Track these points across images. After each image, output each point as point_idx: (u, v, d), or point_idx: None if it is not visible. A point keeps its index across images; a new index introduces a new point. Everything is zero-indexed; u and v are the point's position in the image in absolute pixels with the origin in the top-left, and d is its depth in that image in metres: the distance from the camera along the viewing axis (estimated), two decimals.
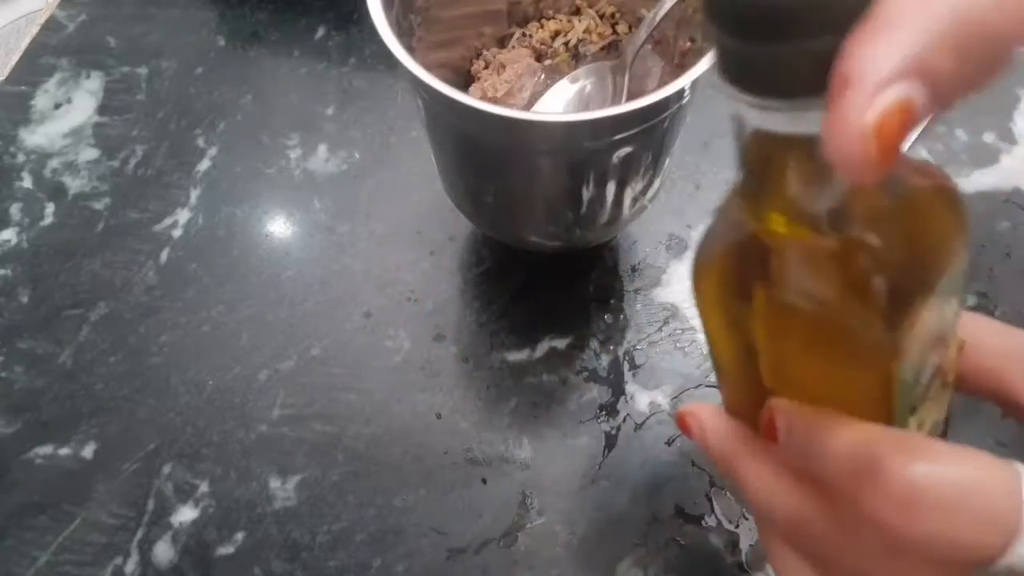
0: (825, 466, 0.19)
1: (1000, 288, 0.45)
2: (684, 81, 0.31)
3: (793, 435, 0.20)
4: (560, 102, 0.44)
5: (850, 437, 0.19)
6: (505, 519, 0.40)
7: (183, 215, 0.50)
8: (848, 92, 0.14)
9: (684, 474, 0.41)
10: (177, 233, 0.49)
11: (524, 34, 0.47)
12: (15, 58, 0.57)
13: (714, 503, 0.40)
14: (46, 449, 0.42)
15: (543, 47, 0.47)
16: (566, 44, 0.47)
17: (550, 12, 0.47)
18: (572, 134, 0.32)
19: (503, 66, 0.46)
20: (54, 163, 0.52)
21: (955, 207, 0.19)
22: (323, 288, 0.47)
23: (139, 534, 0.40)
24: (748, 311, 0.20)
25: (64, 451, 0.42)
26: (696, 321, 0.45)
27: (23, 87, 0.55)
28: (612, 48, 0.46)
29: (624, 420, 0.42)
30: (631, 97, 0.43)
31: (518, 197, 0.39)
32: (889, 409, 0.19)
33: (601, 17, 0.47)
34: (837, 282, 0.18)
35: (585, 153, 0.34)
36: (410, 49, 0.33)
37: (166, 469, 0.42)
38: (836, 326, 0.18)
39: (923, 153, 0.50)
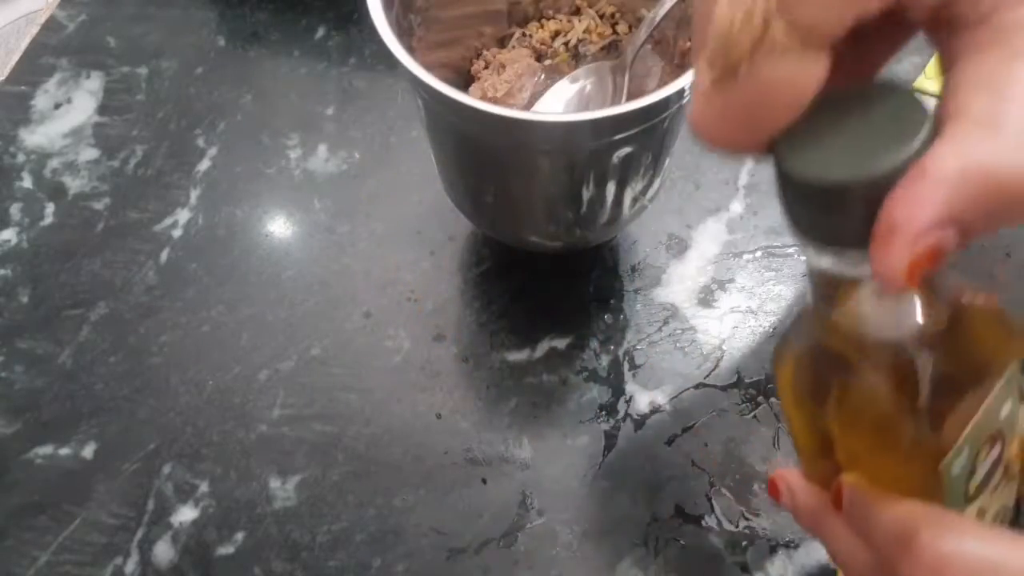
0: (875, 536, 0.23)
1: (1000, 288, 0.45)
2: (684, 81, 0.31)
3: (853, 508, 0.23)
4: (560, 102, 0.44)
5: (895, 512, 0.22)
6: (505, 519, 0.40)
7: (183, 215, 0.50)
8: (892, 239, 0.17)
9: (684, 474, 0.41)
10: (177, 233, 0.49)
11: (524, 34, 0.47)
12: (15, 58, 0.57)
13: (714, 503, 0.40)
14: (46, 449, 0.42)
15: (543, 47, 0.47)
16: (566, 44, 0.47)
17: (550, 12, 0.47)
18: (572, 134, 0.32)
19: (503, 66, 0.45)
20: (54, 163, 0.52)
21: (1005, 323, 0.22)
22: (323, 288, 0.47)
23: (139, 534, 0.40)
24: (821, 405, 0.23)
25: (64, 451, 0.42)
26: (695, 321, 0.45)
27: (23, 87, 0.55)
28: (612, 48, 0.46)
29: (624, 420, 0.42)
30: (631, 97, 0.43)
31: (518, 197, 0.39)
32: (940, 495, 0.22)
33: (601, 17, 0.47)
34: (891, 391, 0.21)
35: (585, 153, 0.34)
36: (410, 49, 0.33)
37: (166, 469, 0.42)
38: (890, 427, 0.21)
39: None
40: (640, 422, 0.42)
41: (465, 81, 0.46)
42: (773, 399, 0.43)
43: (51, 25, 0.58)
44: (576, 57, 0.47)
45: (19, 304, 0.47)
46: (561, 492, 0.41)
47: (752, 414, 0.42)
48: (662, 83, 0.44)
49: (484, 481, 0.41)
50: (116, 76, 0.56)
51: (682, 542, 0.39)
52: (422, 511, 0.40)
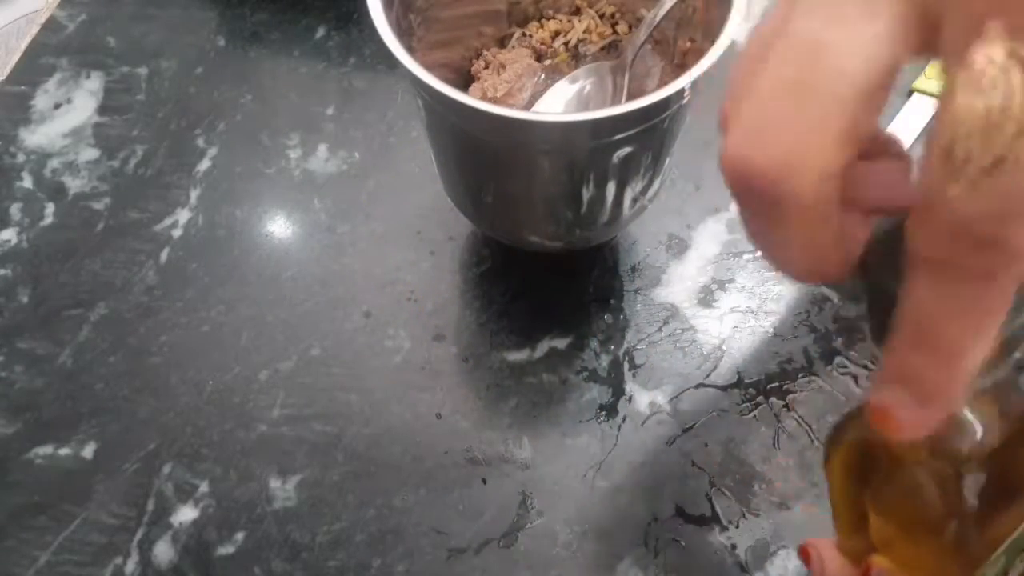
0: None
1: None
2: (684, 81, 0.31)
3: None
4: (560, 102, 0.44)
5: None
6: (505, 519, 0.40)
7: (183, 215, 0.50)
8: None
9: (684, 474, 0.41)
10: (177, 233, 0.49)
11: (524, 34, 0.47)
12: (15, 58, 0.57)
13: (714, 503, 0.40)
14: (46, 449, 0.42)
15: (543, 47, 0.47)
16: (566, 44, 0.47)
17: (550, 12, 0.47)
18: (572, 134, 0.32)
19: (503, 66, 0.45)
20: (54, 163, 0.52)
21: None
22: (323, 288, 0.47)
23: (139, 534, 0.40)
24: (864, 485, 0.24)
25: (64, 451, 0.42)
26: (695, 321, 0.45)
27: (23, 87, 0.55)
28: (612, 48, 0.46)
29: (624, 420, 0.42)
30: (631, 97, 0.43)
31: (518, 197, 0.39)
32: None
33: (601, 17, 0.47)
34: (935, 496, 0.22)
35: (585, 153, 0.34)
36: (410, 49, 0.33)
37: (166, 469, 0.42)
38: (929, 528, 0.22)
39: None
40: (640, 422, 0.42)
41: (465, 81, 0.46)
42: (773, 399, 0.43)
43: (51, 25, 0.58)
44: (576, 57, 0.47)
45: (19, 304, 0.47)
46: (561, 492, 0.41)
47: (752, 414, 0.42)
48: (662, 83, 0.44)
49: (484, 481, 0.41)
50: (116, 76, 0.56)
51: (682, 542, 0.39)
52: (422, 511, 0.40)
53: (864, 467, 0.24)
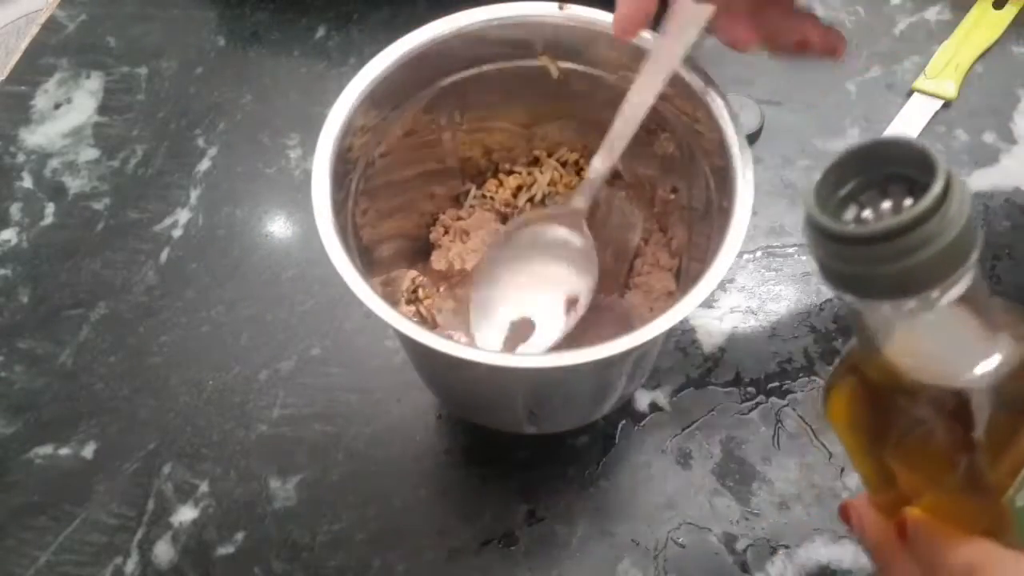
0: (940, 573, 0.23)
1: (1000, 288, 0.45)
2: (647, 334, 0.28)
3: (918, 542, 0.24)
4: (532, 284, 0.39)
5: (962, 552, 0.22)
6: (505, 519, 0.40)
7: (183, 215, 0.50)
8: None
9: (684, 474, 0.41)
10: (177, 233, 0.49)
11: (484, 195, 0.43)
12: (15, 58, 0.57)
13: (714, 503, 0.40)
14: (46, 449, 0.43)
15: (508, 209, 0.43)
16: (531, 200, 0.43)
17: (506, 165, 0.43)
18: (548, 374, 0.30)
19: (466, 233, 0.42)
20: (54, 163, 0.52)
21: None
22: (323, 288, 0.47)
23: (139, 534, 0.40)
24: (880, 441, 0.23)
25: (64, 451, 0.42)
26: (695, 321, 0.45)
27: (23, 87, 0.55)
28: None
29: (624, 420, 0.42)
30: (608, 250, 0.40)
31: (491, 405, 0.38)
32: (1007, 528, 0.22)
33: (564, 165, 0.43)
34: (948, 430, 0.21)
35: (561, 375, 0.32)
36: (355, 226, 0.31)
37: (166, 469, 0.42)
38: (949, 464, 0.21)
39: None
40: (640, 422, 0.42)
41: (424, 249, 0.43)
42: (773, 399, 0.43)
43: (51, 25, 0.58)
44: None
45: (19, 304, 0.47)
46: (561, 492, 0.41)
47: (752, 414, 0.42)
48: (646, 234, 0.42)
49: (484, 481, 0.41)
50: (116, 76, 0.55)
51: (682, 542, 0.39)
52: (422, 511, 0.40)
53: (872, 418, 0.23)
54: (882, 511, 0.26)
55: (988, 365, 0.20)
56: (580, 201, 0.37)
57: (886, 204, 0.19)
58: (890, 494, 0.25)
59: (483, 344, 0.38)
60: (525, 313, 0.38)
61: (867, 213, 0.19)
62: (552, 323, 0.38)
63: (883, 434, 0.23)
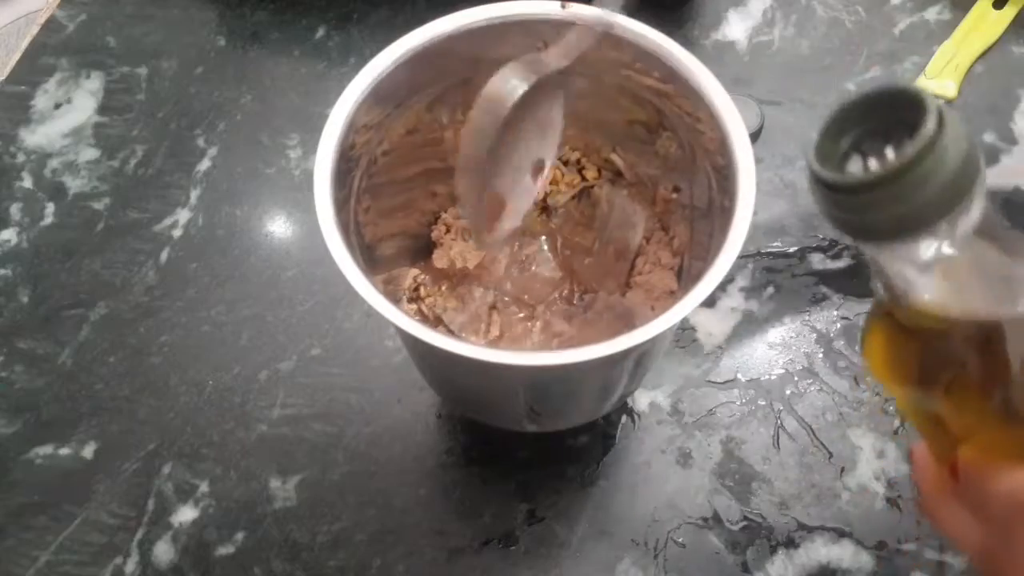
0: (992, 505, 0.23)
1: None
2: (654, 328, 0.28)
3: (968, 481, 0.24)
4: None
5: (1008, 480, 0.22)
6: (505, 519, 0.40)
7: (183, 215, 0.50)
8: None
9: (684, 474, 0.41)
10: (177, 233, 0.49)
11: None
12: (15, 58, 0.56)
13: (714, 503, 0.40)
14: (46, 449, 0.42)
15: None
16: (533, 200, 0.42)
17: None
18: (549, 371, 0.29)
19: (467, 231, 0.42)
20: (54, 163, 0.52)
21: None
22: (323, 288, 0.47)
23: (139, 534, 0.40)
24: (925, 387, 0.23)
25: (64, 451, 0.42)
26: (695, 321, 0.45)
27: (23, 87, 0.55)
28: (584, 196, 0.43)
29: (624, 420, 0.42)
30: (609, 249, 0.40)
31: (492, 403, 0.38)
32: None
33: (565, 164, 0.42)
34: (985, 366, 0.21)
35: (563, 373, 0.31)
36: (357, 224, 0.31)
37: (166, 469, 0.42)
38: (991, 400, 0.21)
39: None
40: (640, 422, 0.42)
41: (426, 247, 0.43)
42: (773, 399, 0.43)
43: (51, 25, 0.58)
44: (546, 211, 0.43)
45: (19, 304, 0.47)
46: (561, 492, 0.41)
47: (752, 414, 0.42)
48: (647, 233, 0.41)
49: (484, 481, 0.41)
50: (116, 76, 0.55)
51: (682, 542, 0.39)
52: (422, 511, 0.40)
53: (913, 364, 0.23)
54: (938, 458, 0.26)
55: (1015, 295, 0.20)
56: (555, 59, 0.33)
57: (888, 150, 0.19)
58: (943, 439, 0.25)
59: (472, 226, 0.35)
60: (493, 189, 0.35)
61: (872, 162, 0.20)
62: (521, 195, 0.36)
63: (925, 379, 0.23)
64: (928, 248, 0.19)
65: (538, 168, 0.36)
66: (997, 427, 0.22)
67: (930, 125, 0.18)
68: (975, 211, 0.19)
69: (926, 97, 0.18)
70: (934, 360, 0.22)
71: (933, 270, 0.20)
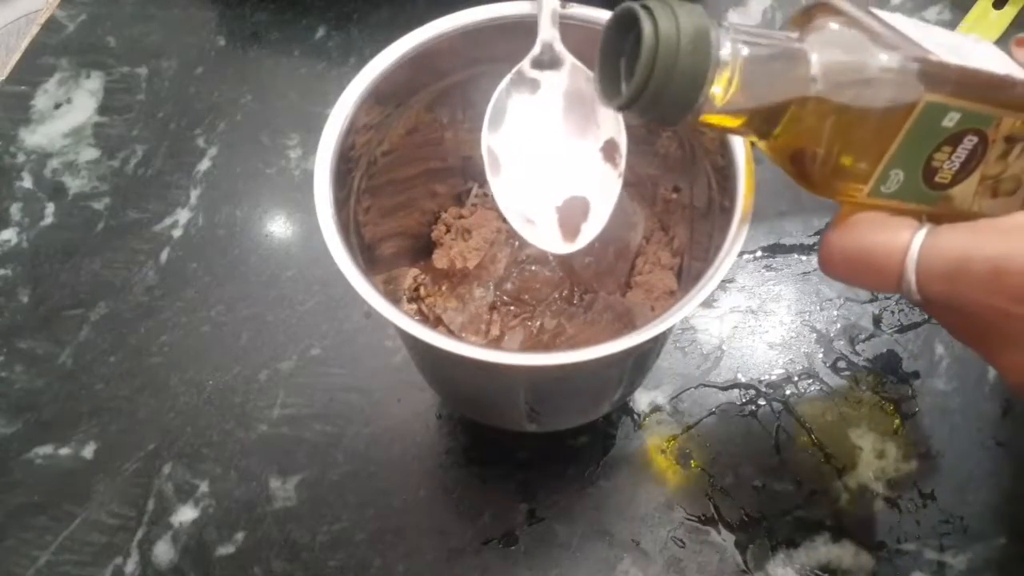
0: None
1: None
2: (657, 328, 0.28)
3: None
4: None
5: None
6: (505, 519, 0.40)
7: (183, 215, 0.50)
8: None
9: (684, 474, 0.41)
10: (177, 233, 0.49)
11: (486, 194, 0.42)
12: (15, 58, 0.56)
13: (714, 503, 0.40)
14: (46, 449, 0.42)
15: None
16: None
17: None
18: (549, 371, 0.29)
19: (468, 231, 0.42)
20: (54, 163, 0.52)
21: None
22: (323, 288, 0.47)
23: (139, 534, 0.40)
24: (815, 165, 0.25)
25: (64, 451, 0.42)
26: (695, 321, 0.45)
27: (23, 87, 0.55)
28: None
29: (624, 420, 0.42)
30: (609, 249, 0.40)
31: (492, 402, 0.38)
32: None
33: None
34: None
35: (562, 373, 0.31)
36: (357, 224, 0.31)
37: (166, 469, 0.42)
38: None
39: None
40: (640, 422, 0.42)
41: (426, 247, 0.43)
42: (773, 399, 0.43)
43: (51, 25, 0.58)
44: None
45: (19, 304, 0.47)
46: (561, 492, 0.41)
47: (752, 414, 0.42)
48: (647, 233, 0.41)
49: (484, 481, 0.41)
50: (116, 76, 0.55)
51: (682, 542, 0.39)
52: (422, 511, 0.40)
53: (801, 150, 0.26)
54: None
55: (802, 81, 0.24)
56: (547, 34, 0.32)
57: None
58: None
59: (544, 244, 0.32)
60: (570, 192, 0.32)
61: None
62: (604, 185, 0.32)
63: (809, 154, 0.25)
64: (719, 93, 0.23)
65: (611, 148, 0.31)
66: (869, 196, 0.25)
67: (647, 33, 0.21)
68: (724, 52, 0.22)
69: (637, 12, 0.22)
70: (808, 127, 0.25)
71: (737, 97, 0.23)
